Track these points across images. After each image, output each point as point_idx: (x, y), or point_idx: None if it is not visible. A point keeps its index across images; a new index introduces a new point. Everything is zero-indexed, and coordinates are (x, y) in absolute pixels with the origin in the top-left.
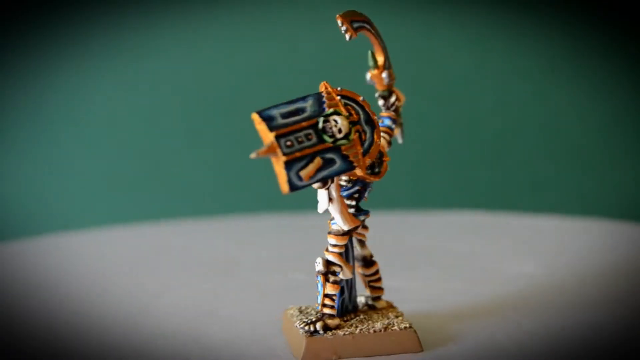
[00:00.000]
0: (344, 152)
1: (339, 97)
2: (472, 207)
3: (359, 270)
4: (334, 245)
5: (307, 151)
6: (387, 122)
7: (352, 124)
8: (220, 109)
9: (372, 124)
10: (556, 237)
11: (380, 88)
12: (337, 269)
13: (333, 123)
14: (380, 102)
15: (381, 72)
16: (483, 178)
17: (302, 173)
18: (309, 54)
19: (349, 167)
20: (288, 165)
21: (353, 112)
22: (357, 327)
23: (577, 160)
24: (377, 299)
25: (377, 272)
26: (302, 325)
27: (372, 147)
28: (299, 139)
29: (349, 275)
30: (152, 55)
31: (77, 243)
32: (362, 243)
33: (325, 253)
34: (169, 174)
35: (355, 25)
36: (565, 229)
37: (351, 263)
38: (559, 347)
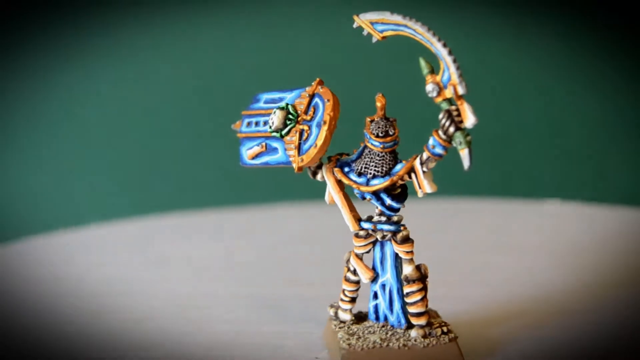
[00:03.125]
0: (286, 146)
1: (312, 95)
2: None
3: None
4: (355, 245)
5: (258, 135)
6: (430, 142)
7: (300, 122)
8: (218, 107)
9: (320, 127)
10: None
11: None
12: (351, 266)
13: (273, 116)
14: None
15: (427, 82)
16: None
17: (247, 152)
18: (309, 54)
19: (286, 160)
20: (241, 142)
21: (312, 111)
22: (349, 333)
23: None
24: (416, 326)
25: (409, 294)
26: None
27: (310, 150)
28: (257, 123)
29: (364, 280)
30: (151, 54)
31: (78, 241)
32: (403, 260)
33: None
34: (168, 171)
35: (380, 27)
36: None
37: (384, 270)
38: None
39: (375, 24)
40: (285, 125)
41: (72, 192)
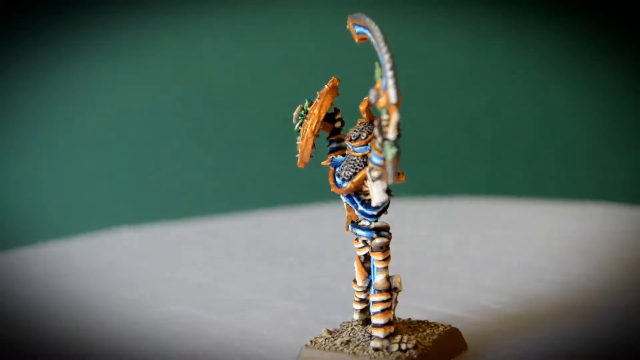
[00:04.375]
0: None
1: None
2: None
3: None
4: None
5: None
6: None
7: (308, 118)
8: (220, 108)
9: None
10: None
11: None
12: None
13: None
14: None
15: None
16: (481, 169)
17: None
18: (309, 54)
19: None
20: None
21: (313, 107)
22: (330, 331)
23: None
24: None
25: (373, 303)
26: None
27: (302, 142)
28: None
29: (358, 283)
30: (153, 56)
31: (82, 249)
32: (376, 268)
33: None
34: (170, 174)
35: (357, 29)
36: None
37: (374, 277)
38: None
39: (355, 25)
40: (297, 121)
41: (73, 196)
